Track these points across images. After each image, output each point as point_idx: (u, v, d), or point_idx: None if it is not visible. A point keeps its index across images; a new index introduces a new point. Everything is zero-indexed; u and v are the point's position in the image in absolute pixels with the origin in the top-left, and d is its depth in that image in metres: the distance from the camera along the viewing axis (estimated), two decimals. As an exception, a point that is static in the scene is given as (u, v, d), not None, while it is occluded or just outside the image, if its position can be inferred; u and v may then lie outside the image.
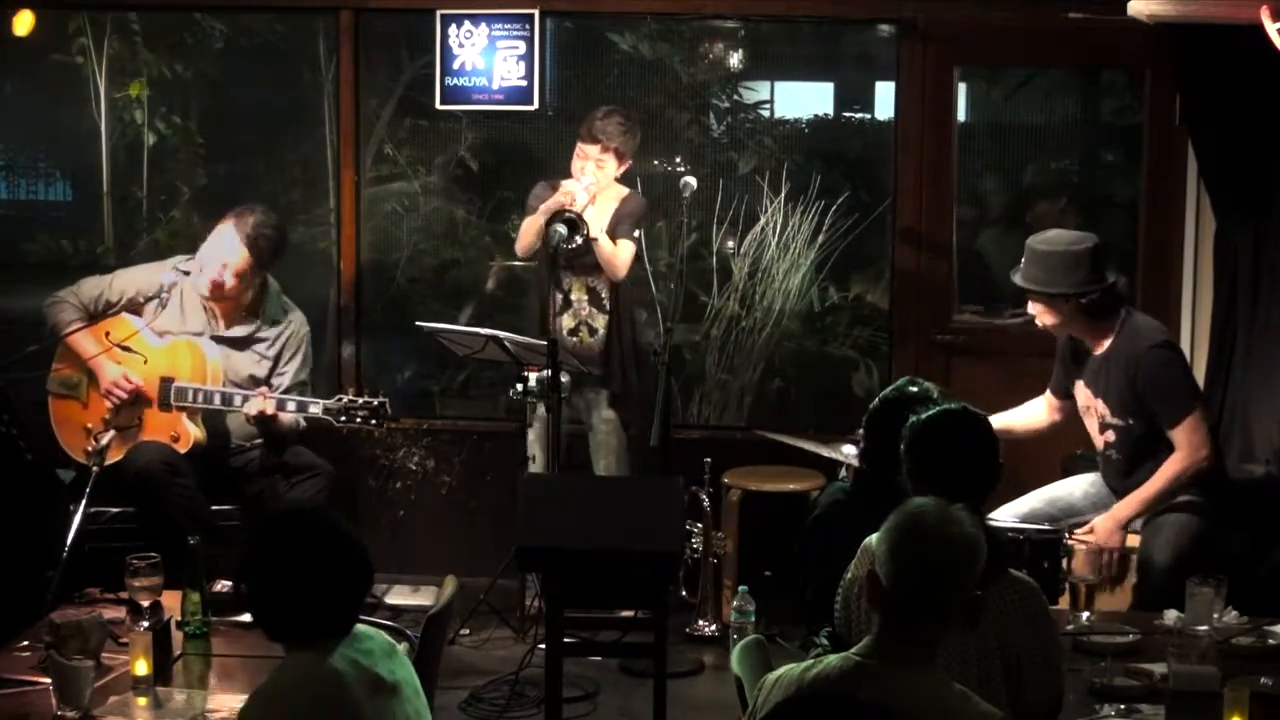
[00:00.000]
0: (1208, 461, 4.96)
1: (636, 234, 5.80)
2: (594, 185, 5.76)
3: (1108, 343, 5.04)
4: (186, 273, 5.59)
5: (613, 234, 5.80)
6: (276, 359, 5.65)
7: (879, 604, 2.89)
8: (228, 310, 5.60)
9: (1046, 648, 3.37)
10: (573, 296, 5.89)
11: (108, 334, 5.47)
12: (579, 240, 5.58)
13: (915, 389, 4.10)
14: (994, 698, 3.22)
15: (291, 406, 5.46)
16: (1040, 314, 5.10)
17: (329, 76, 6.88)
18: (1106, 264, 5.08)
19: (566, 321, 5.89)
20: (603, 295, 5.89)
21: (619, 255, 5.78)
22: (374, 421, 5.35)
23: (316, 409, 5.41)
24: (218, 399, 5.43)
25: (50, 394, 5.59)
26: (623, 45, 6.89)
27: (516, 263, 6.66)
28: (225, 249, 5.51)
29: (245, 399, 5.43)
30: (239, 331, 5.62)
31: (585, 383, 5.91)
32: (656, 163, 6.85)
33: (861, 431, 4.26)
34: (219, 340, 5.57)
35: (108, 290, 5.57)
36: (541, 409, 5.72)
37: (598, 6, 6.57)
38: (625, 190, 5.96)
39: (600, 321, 5.90)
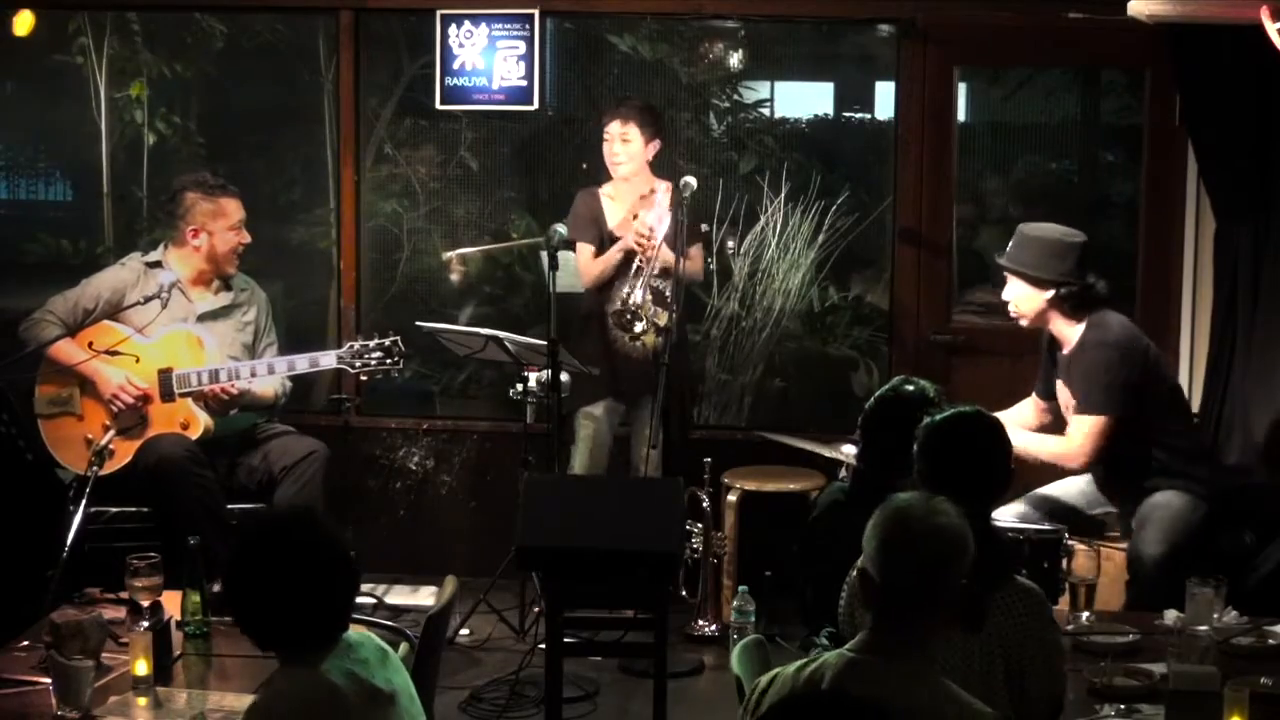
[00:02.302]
0: (1078, 466, 5.05)
1: (705, 228, 5.81)
2: (663, 220, 5.65)
3: (1075, 340, 5.08)
4: (157, 263, 5.60)
5: (673, 241, 5.64)
6: (257, 324, 5.68)
7: (871, 600, 2.89)
8: (204, 285, 5.61)
9: (1050, 653, 3.38)
10: (640, 304, 5.75)
11: (90, 344, 5.44)
12: (639, 329, 5.62)
13: (911, 388, 4.11)
14: (995, 699, 3.22)
15: (303, 365, 5.48)
16: (1017, 301, 5.14)
17: (329, 76, 6.88)
18: (1091, 263, 5.11)
19: (635, 328, 5.75)
20: (666, 293, 5.78)
21: (693, 265, 5.79)
22: (389, 360, 5.38)
23: (329, 360, 5.42)
24: (223, 375, 5.43)
25: (40, 416, 5.52)
26: (622, 45, 6.89)
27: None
28: (226, 213, 5.56)
29: (254, 369, 5.44)
30: (223, 301, 5.64)
31: (642, 384, 5.83)
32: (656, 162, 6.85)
33: (859, 431, 4.26)
34: (201, 319, 5.57)
35: (82, 298, 5.53)
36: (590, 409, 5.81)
37: (598, 6, 6.57)
38: (662, 183, 5.86)
39: (664, 319, 5.73)
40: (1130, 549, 4.95)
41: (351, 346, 5.44)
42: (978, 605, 3.27)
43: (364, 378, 5.56)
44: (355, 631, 3.02)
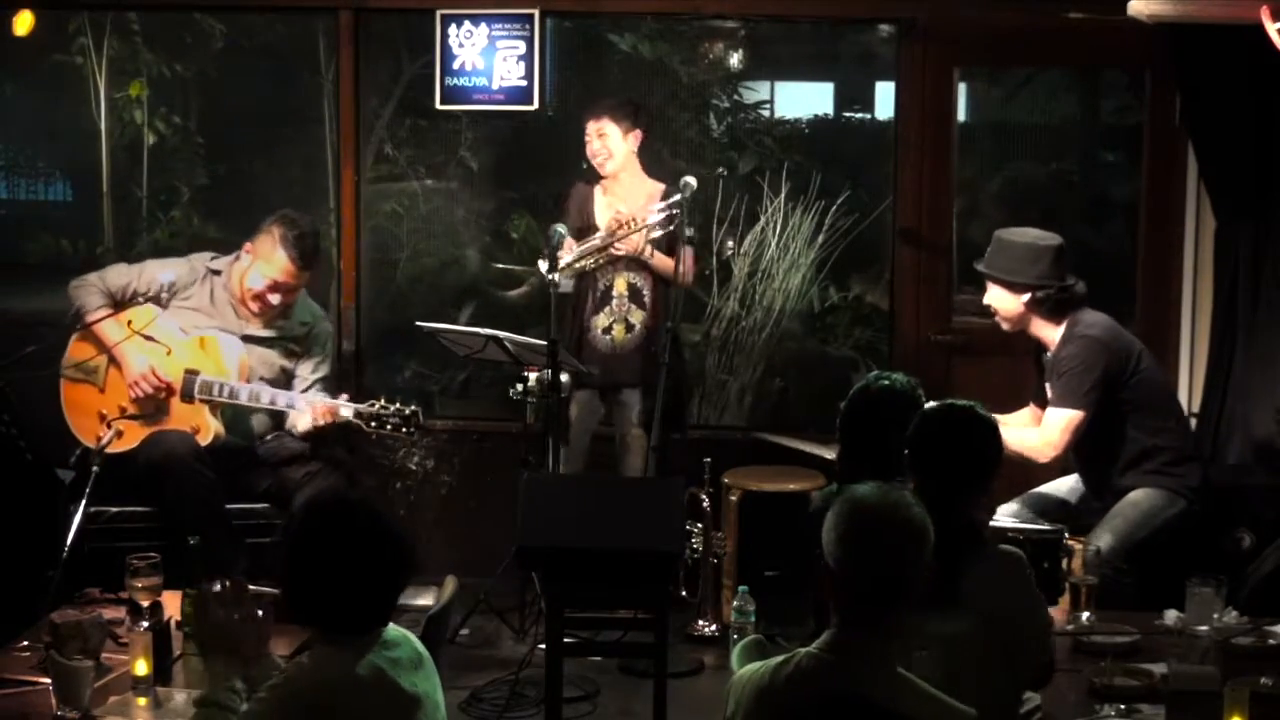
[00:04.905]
0: (1046, 459, 5.03)
1: (690, 232, 5.57)
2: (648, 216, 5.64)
3: (1058, 341, 5.10)
4: (217, 271, 5.57)
5: (664, 241, 5.71)
6: (301, 355, 5.63)
7: (835, 597, 2.86)
8: (264, 312, 5.56)
9: (1034, 611, 3.43)
10: (613, 291, 5.84)
11: (130, 323, 5.44)
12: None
13: (886, 383, 4.08)
14: (988, 683, 3.22)
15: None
16: (997, 304, 5.17)
17: (329, 76, 6.88)
18: (1067, 266, 5.12)
19: (600, 320, 5.85)
20: (644, 291, 5.84)
21: (682, 264, 5.57)
22: (405, 430, 5.30)
23: (348, 412, 5.36)
24: (244, 395, 5.39)
25: (65, 378, 5.50)
26: (623, 45, 6.90)
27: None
28: (275, 261, 5.45)
29: (274, 398, 5.40)
30: (272, 331, 5.59)
31: (618, 384, 5.87)
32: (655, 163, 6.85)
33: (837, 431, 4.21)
34: (247, 339, 5.54)
35: (136, 280, 5.50)
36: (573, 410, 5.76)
37: (598, 6, 6.57)
38: (658, 186, 5.85)
39: (638, 318, 5.84)
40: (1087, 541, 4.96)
41: (373, 405, 5.33)
42: (950, 580, 3.25)
43: (373, 436, 5.51)
44: (397, 630, 3.05)
